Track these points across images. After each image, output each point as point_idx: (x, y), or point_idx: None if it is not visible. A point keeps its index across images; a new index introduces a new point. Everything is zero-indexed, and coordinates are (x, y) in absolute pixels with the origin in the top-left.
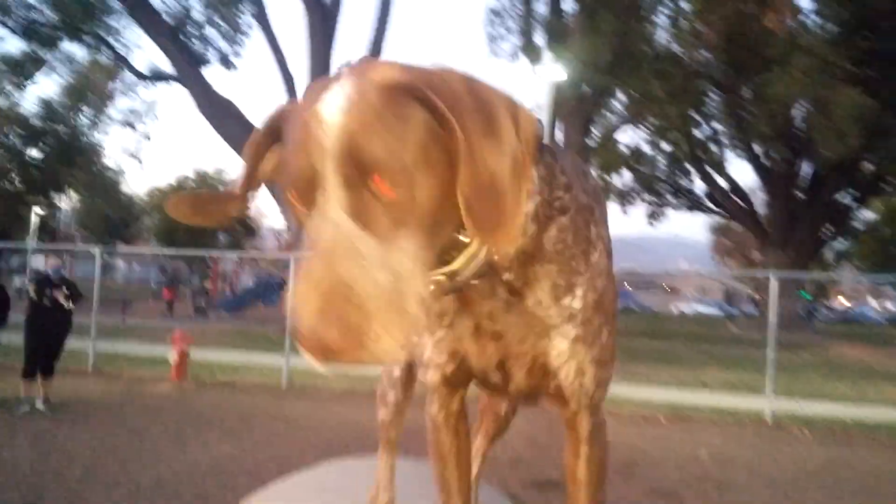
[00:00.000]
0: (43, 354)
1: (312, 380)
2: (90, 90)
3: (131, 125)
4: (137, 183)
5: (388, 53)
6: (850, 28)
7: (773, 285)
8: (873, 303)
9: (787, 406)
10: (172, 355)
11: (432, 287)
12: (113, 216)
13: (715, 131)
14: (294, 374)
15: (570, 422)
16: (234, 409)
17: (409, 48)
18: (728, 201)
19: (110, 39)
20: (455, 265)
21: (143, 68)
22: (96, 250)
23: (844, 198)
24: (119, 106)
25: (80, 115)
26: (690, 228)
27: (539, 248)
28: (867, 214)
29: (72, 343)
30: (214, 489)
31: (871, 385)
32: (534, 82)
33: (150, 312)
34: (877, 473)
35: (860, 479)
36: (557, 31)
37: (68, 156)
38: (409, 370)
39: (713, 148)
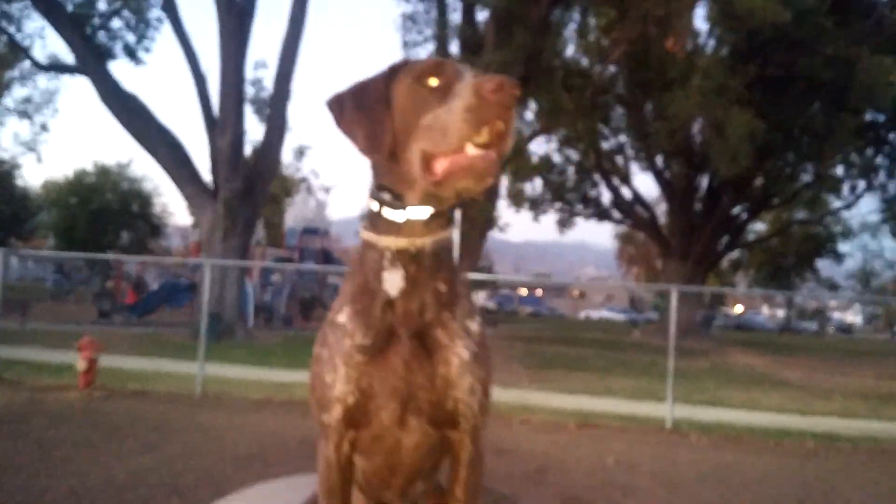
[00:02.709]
0: None
1: (227, 388)
2: None
3: (28, 115)
4: (34, 176)
5: (302, 55)
6: (742, 54)
7: (674, 298)
8: (765, 310)
9: (686, 412)
10: (80, 363)
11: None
12: (6, 211)
13: (621, 144)
14: (208, 382)
15: (455, 445)
16: (148, 419)
17: (324, 50)
18: (632, 211)
19: (9, 28)
20: (423, 239)
21: (44, 59)
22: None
23: (738, 211)
24: (15, 95)
25: None
26: (597, 235)
27: (452, 264)
28: (759, 227)
29: None
30: (132, 501)
31: (760, 392)
32: None
33: (49, 315)
34: (763, 476)
35: (747, 481)
36: (471, 41)
37: None
38: None
39: (619, 160)
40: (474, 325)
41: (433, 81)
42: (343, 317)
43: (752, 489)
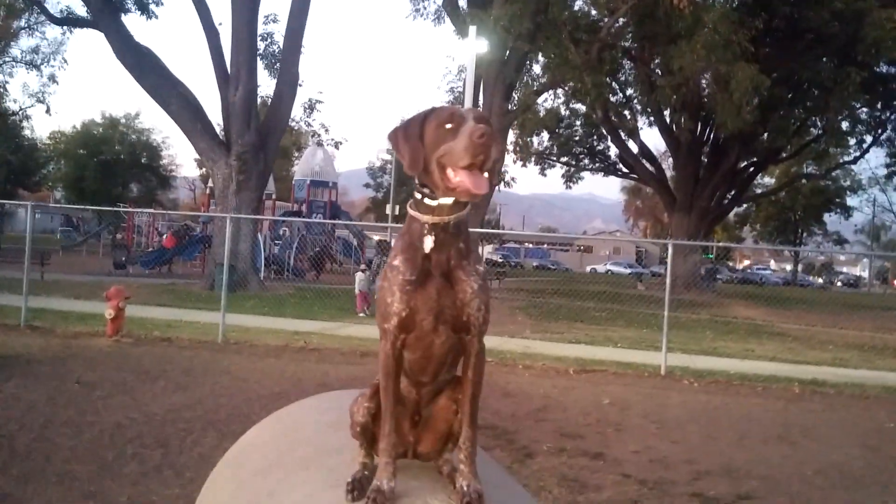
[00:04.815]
0: None
1: (245, 336)
2: None
3: (36, 66)
4: (43, 128)
5: (311, 9)
6: (749, 7)
7: (670, 252)
8: (772, 264)
9: (682, 360)
10: (109, 311)
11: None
12: (14, 162)
13: (628, 98)
14: (229, 330)
15: (467, 344)
16: (176, 363)
17: (332, 3)
18: (639, 166)
19: None
20: (448, 216)
21: (57, 12)
22: (28, 206)
23: (745, 165)
24: (23, 45)
25: None
26: (605, 188)
27: (466, 230)
28: (767, 181)
29: (1, 299)
30: (173, 433)
31: (757, 342)
32: (457, 47)
33: (63, 266)
34: (748, 416)
35: (732, 420)
36: None
37: None
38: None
39: (626, 114)
40: (480, 268)
41: (448, 125)
42: (397, 261)
43: (736, 427)
